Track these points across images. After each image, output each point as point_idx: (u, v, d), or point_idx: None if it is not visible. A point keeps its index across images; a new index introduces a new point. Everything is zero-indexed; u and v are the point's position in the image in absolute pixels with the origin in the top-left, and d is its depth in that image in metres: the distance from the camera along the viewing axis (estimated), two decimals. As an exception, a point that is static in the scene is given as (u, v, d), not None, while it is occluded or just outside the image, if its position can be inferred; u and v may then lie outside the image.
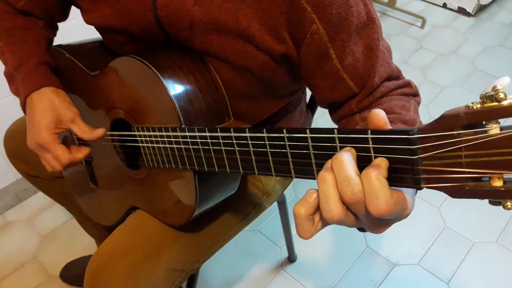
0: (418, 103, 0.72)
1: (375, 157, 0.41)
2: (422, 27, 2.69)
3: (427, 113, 2.06)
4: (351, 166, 0.40)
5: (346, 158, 0.40)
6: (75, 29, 1.16)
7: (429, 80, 2.30)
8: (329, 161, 0.42)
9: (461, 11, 2.83)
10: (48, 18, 0.89)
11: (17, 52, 0.82)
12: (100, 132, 0.81)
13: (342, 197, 0.40)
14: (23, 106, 0.82)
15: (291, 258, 1.51)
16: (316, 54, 0.66)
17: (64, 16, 0.91)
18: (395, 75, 0.71)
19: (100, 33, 0.85)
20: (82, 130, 0.80)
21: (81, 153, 0.82)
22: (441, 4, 2.90)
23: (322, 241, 1.57)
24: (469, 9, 2.78)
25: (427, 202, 1.68)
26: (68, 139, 0.83)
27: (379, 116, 0.41)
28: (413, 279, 1.45)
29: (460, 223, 1.61)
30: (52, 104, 0.79)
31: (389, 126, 0.42)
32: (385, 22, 2.79)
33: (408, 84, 0.73)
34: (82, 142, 0.88)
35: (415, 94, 0.73)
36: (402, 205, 0.40)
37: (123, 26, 0.74)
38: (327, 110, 0.77)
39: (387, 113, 0.64)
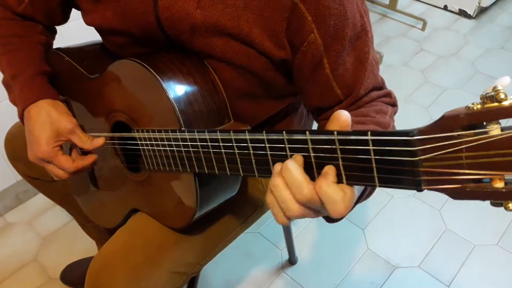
0: (395, 112, 0.75)
1: (375, 159, 0.41)
2: (423, 29, 2.69)
3: (428, 115, 2.06)
4: (297, 171, 0.46)
5: (291, 165, 0.46)
6: (76, 31, 1.16)
7: (430, 82, 2.30)
8: (277, 165, 0.48)
9: (462, 13, 2.83)
10: (48, 21, 0.88)
11: (13, 61, 0.82)
12: (100, 141, 0.82)
13: (296, 198, 0.46)
14: (21, 118, 0.82)
15: (291, 260, 1.51)
16: (311, 62, 0.67)
17: (65, 18, 0.91)
18: (379, 86, 0.74)
19: (101, 35, 0.85)
20: (82, 140, 0.81)
21: (86, 160, 0.83)
22: (442, 6, 2.90)
23: (323, 243, 1.57)
24: (470, 11, 2.78)
25: (428, 204, 1.68)
26: (73, 147, 0.84)
27: (338, 115, 0.45)
28: (413, 282, 1.44)
29: (461, 225, 1.61)
30: (50, 117, 0.79)
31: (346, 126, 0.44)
32: (385, 24, 2.79)
33: (389, 94, 0.75)
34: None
35: (393, 104, 0.75)
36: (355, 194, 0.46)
37: (124, 27, 0.74)
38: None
39: (361, 116, 0.67)
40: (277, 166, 0.48)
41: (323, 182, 0.44)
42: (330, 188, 0.43)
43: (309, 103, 0.76)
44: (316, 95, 0.72)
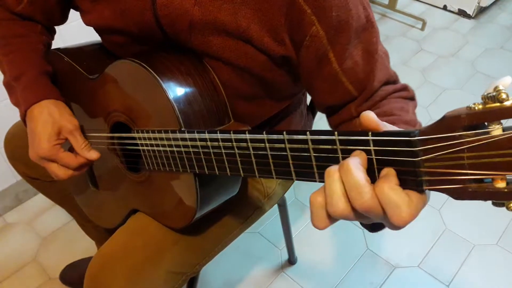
0: (415, 106, 0.73)
1: (376, 159, 0.40)
2: (422, 29, 2.69)
3: (427, 116, 2.06)
4: (359, 173, 0.39)
5: (353, 165, 0.39)
6: (76, 32, 1.16)
7: (430, 82, 2.30)
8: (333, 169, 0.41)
9: (462, 13, 2.83)
10: (47, 21, 0.88)
11: (15, 62, 0.82)
12: (95, 154, 0.82)
13: (353, 205, 0.39)
14: (23, 118, 0.82)
15: (291, 260, 1.51)
16: (315, 57, 0.66)
17: (63, 18, 0.90)
18: (393, 80, 0.72)
19: (99, 34, 0.85)
20: (79, 144, 0.81)
21: (89, 153, 0.82)
22: (442, 6, 2.90)
23: (323, 243, 1.57)
24: (470, 11, 2.78)
25: (428, 204, 1.67)
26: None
27: (368, 117, 0.41)
28: (413, 282, 1.44)
29: (461, 225, 1.61)
30: (52, 117, 0.79)
31: (382, 128, 0.41)
32: (385, 24, 2.79)
33: (405, 88, 0.73)
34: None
35: (412, 98, 0.73)
36: (423, 202, 0.40)
37: (122, 26, 0.74)
38: (327, 112, 0.77)
39: (387, 115, 0.65)
40: (335, 173, 0.41)
41: (384, 185, 0.38)
42: (393, 191, 0.38)
43: (320, 103, 0.74)
44: (326, 92, 0.71)
